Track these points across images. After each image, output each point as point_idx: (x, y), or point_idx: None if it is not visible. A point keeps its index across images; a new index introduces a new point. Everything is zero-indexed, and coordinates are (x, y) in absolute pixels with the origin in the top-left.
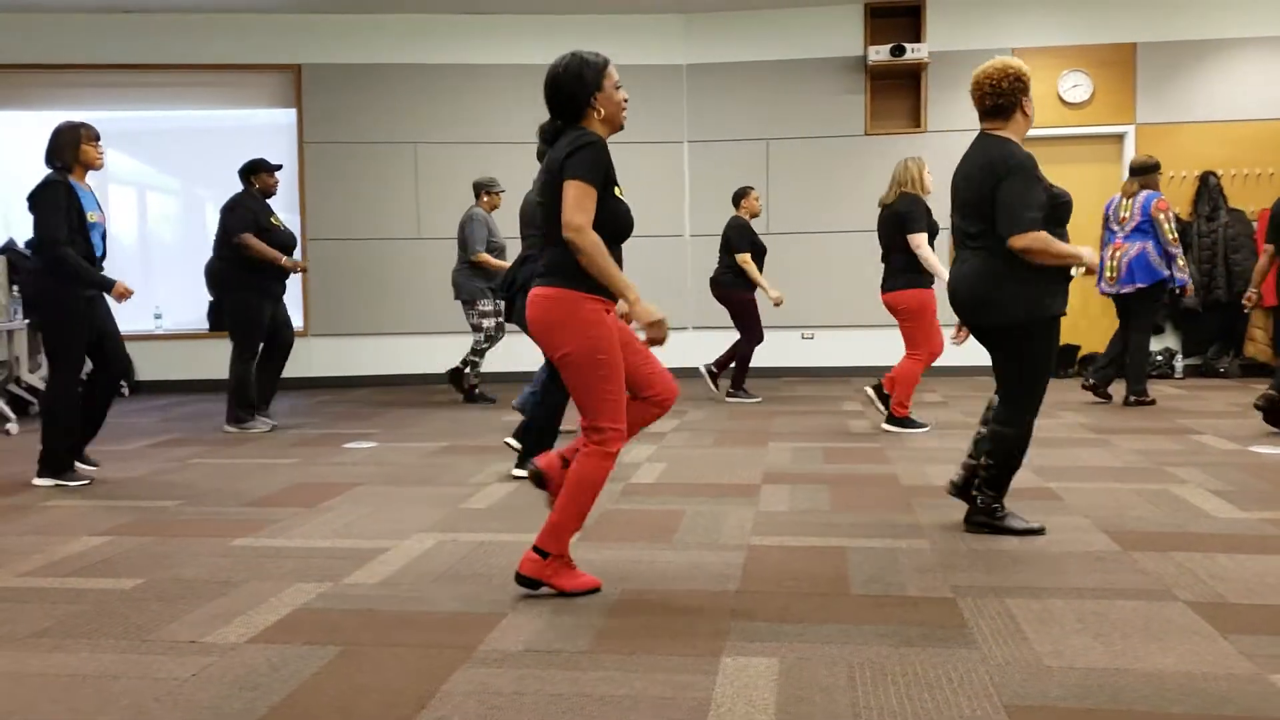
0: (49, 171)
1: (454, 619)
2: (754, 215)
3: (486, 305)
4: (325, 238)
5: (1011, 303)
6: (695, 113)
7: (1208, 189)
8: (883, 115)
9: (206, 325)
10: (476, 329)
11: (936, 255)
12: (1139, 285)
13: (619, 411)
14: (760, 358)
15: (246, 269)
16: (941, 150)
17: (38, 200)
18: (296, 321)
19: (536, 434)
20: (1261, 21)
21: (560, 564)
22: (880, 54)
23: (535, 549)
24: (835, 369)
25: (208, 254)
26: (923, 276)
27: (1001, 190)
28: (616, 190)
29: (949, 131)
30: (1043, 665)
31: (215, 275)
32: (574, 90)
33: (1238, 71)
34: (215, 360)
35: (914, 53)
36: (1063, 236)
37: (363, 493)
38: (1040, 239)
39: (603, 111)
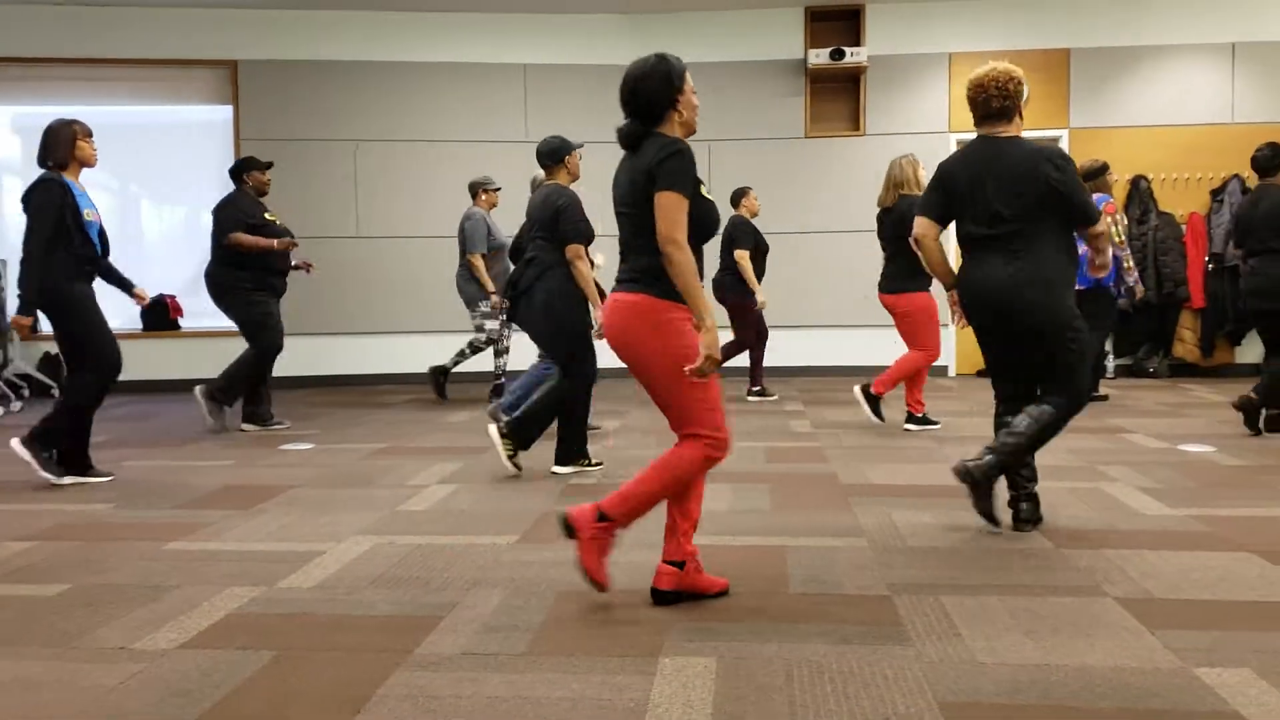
0: (42, 171)
1: (390, 622)
2: (754, 215)
3: (488, 307)
4: None
5: (1060, 308)
6: None
7: (1138, 192)
8: (822, 118)
9: (140, 325)
10: (479, 329)
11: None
12: (1080, 287)
13: (718, 417)
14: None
15: (242, 269)
16: (880, 153)
17: (32, 200)
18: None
19: (529, 425)
20: (1191, 29)
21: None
22: (820, 57)
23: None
24: (775, 369)
25: (142, 252)
26: (926, 279)
27: (1065, 186)
28: (703, 190)
29: (888, 135)
30: (976, 662)
31: (213, 281)
32: (659, 93)
33: (1168, 77)
34: (146, 361)
35: (853, 56)
36: None
37: (299, 495)
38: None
39: (683, 114)
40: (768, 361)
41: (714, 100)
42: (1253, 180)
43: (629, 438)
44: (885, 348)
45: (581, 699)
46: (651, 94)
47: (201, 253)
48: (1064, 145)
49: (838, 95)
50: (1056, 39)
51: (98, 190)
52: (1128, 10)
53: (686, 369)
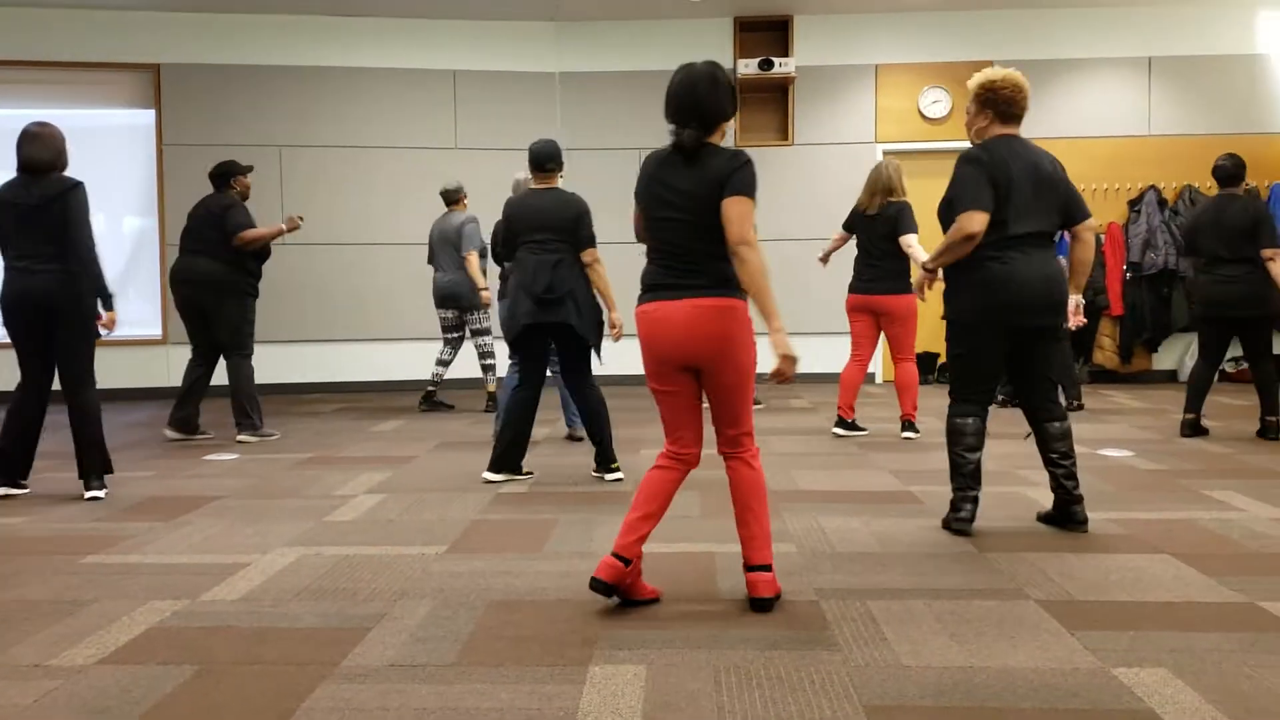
0: (71, 176)
1: (316, 634)
2: None
3: (485, 316)
4: None
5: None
6: (569, 121)
7: None
8: (752, 128)
9: None
10: (479, 332)
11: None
12: None
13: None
14: (634, 365)
15: (247, 272)
16: (809, 162)
17: (73, 204)
18: (156, 329)
19: (607, 445)
20: (1109, 43)
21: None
22: (749, 67)
23: (760, 566)
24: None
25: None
26: (910, 282)
27: (1069, 184)
28: None
29: (816, 144)
30: (901, 665)
31: (214, 280)
32: (722, 104)
33: (1087, 90)
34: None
35: (782, 67)
36: None
37: (224, 506)
38: None
39: (731, 126)
40: None
41: (644, 109)
42: (1169, 192)
43: (556, 445)
44: (814, 352)
45: (510, 709)
46: (718, 105)
47: (125, 258)
48: None
49: (767, 105)
50: (980, 51)
51: None
52: (1049, 24)
53: (770, 373)
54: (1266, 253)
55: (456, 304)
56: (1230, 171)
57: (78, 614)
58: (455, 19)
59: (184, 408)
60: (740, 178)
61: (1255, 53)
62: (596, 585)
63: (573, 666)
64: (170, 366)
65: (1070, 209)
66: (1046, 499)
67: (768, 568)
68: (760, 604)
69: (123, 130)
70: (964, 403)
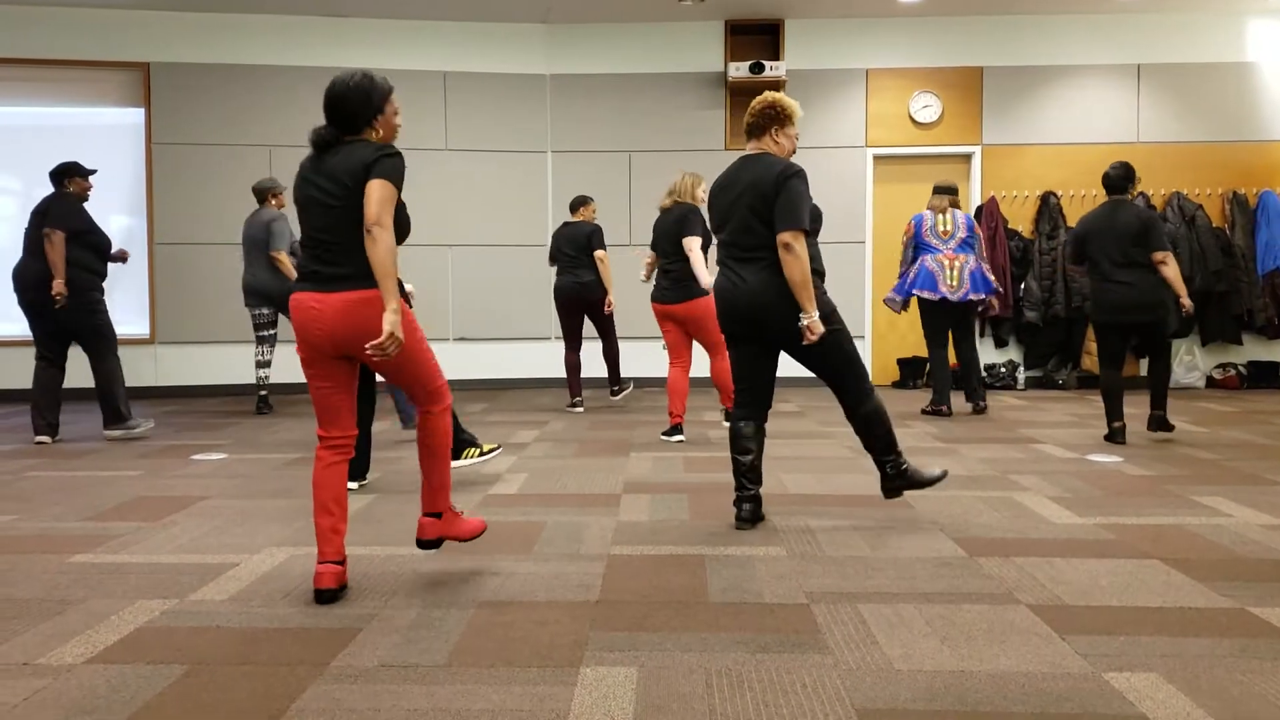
0: None
1: (306, 635)
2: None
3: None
4: (173, 242)
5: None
6: (559, 123)
7: (1048, 208)
8: (742, 131)
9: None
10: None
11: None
12: (981, 295)
13: None
14: (623, 369)
15: (83, 269)
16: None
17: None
18: (143, 328)
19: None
20: (1098, 50)
21: None
22: (740, 70)
23: (435, 514)
24: (692, 380)
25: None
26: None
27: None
28: None
29: (806, 149)
30: (893, 669)
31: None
32: (777, 112)
33: (1077, 97)
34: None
35: (772, 70)
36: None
37: (211, 506)
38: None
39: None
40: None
41: (634, 112)
42: (1158, 199)
43: (545, 446)
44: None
45: (501, 710)
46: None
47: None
48: (978, 161)
49: None
50: (971, 57)
51: (2, 194)
52: (1039, 31)
53: (371, 344)
54: (1157, 256)
55: (270, 302)
56: (1115, 181)
57: (66, 613)
58: (446, 20)
59: (54, 412)
60: (384, 165)
61: (1244, 60)
62: (323, 597)
63: (564, 668)
64: (158, 366)
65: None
66: (1037, 504)
67: (440, 515)
68: (425, 545)
69: (112, 129)
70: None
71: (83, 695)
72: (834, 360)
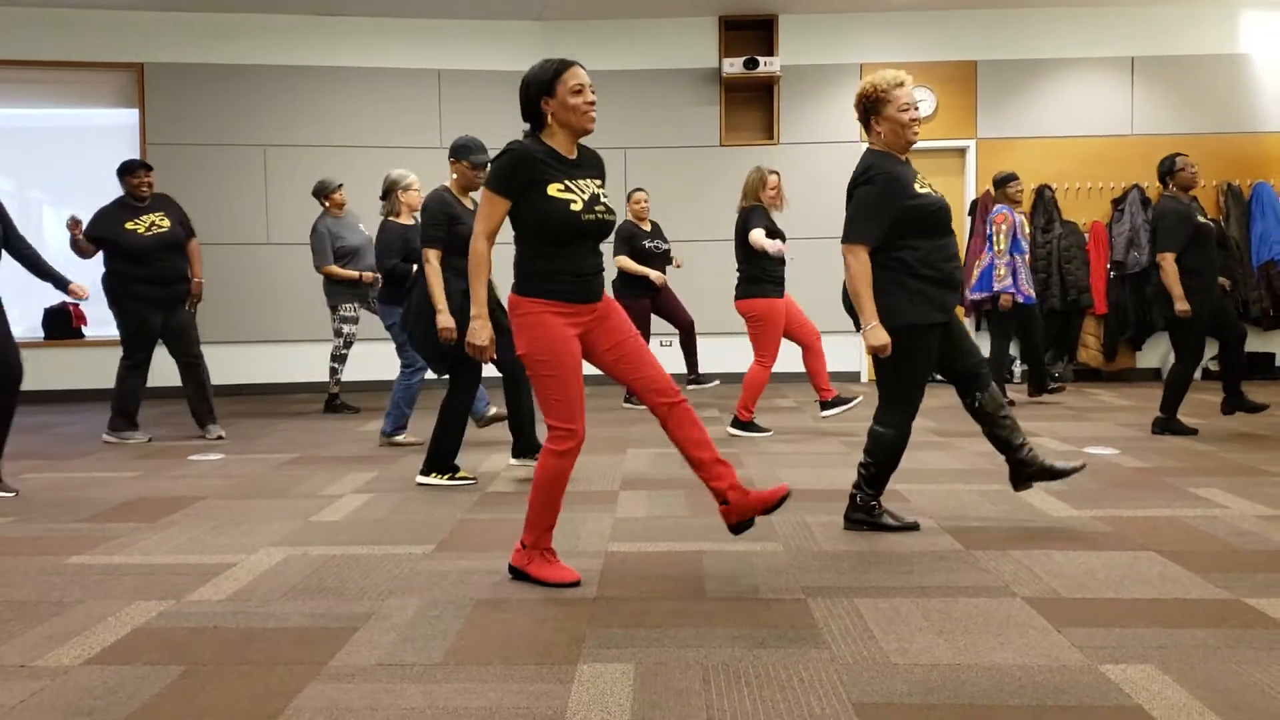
0: None
1: (304, 634)
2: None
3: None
4: None
5: None
6: None
7: (1043, 201)
8: (737, 127)
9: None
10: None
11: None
12: (985, 294)
13: None
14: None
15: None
16: (793, 161)
17: None
18: None
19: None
20: (1093, 43)
21: None
22: (734, 66)
23: None
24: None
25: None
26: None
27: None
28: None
29: (801, 144)
30: (889, 663)
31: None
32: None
33: (1070, 90)
34: (48, 370)
35: (767, 66)
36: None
37: (209, 506)
38: None
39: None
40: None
41: (629, 108)
42: (1152, 191)
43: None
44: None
45: (499, 708)
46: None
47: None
48: (972, 156)
49: (752, 104)
50: (965, 51)
51: None
52: (1033, 24)
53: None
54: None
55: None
56: (1160, 176)
57: (63, 614)
58: (440, 18)
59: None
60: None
61: (1238, 52)
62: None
63: (561, 665)
64: (155, 367)
65: None
66: (1033, 496)
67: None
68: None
69: (106, 130)
70: (913, 414)
71: (80, 696)
72: (882, 376)
